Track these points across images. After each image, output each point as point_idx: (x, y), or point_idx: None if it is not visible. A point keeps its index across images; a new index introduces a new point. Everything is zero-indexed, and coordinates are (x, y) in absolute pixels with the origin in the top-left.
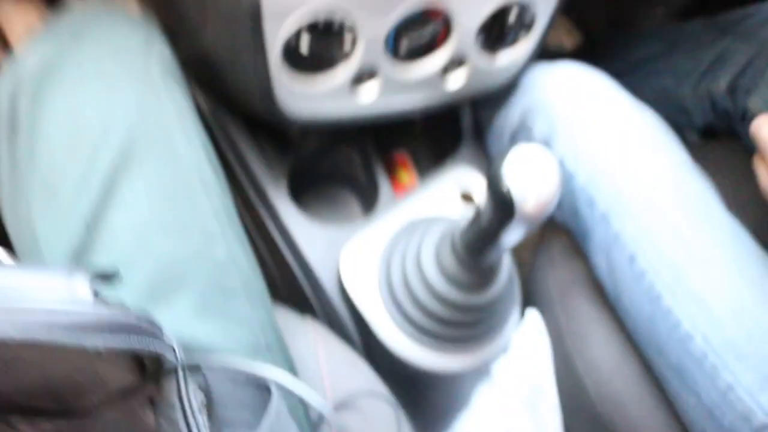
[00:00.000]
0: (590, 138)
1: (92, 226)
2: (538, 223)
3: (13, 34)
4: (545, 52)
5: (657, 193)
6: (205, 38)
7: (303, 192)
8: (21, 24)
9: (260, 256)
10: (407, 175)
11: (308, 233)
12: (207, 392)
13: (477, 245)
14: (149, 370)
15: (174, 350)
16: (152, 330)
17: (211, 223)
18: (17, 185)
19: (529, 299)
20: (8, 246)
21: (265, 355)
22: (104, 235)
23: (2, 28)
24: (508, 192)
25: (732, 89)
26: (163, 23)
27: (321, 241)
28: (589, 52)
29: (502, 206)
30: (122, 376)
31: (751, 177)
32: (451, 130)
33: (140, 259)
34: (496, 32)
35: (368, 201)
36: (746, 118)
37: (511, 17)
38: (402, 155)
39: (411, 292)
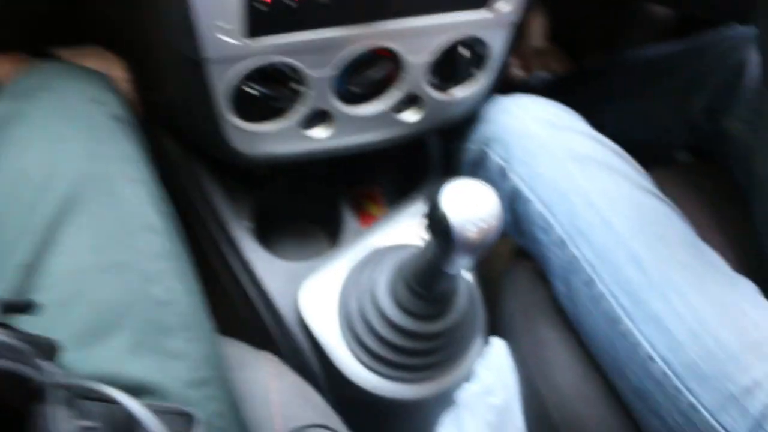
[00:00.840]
0: (545, 164)
1: (31, 270)
2: (480, 251)
3: None
4: (534, 79)
5: (613, 216)
6: (166, 89)
7: (271, 229)
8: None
9: (226, 291)
10: (377, 209)
11: (270, 268)
12: (123, 420)
13: (425, 275)
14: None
15: (42, 375)
16: (27, 355)
17: (151, 265)
18: None
19: (496, 324)
20: None
21: (201, 389)
22: (43, 278)
23: None
24: (446, 221)
25: (708, 111)
26: (137, 80)
27: (282, 276)
28: (576, 78)
29: (442, 236)
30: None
31: (725, 198)
32: (421, 162)
33: (77, 301)
34: (449, 70)
35: (334, 235)
36: (724, 139)
37: (462, 53)
38: (372, 189)
39: (367, 322)
